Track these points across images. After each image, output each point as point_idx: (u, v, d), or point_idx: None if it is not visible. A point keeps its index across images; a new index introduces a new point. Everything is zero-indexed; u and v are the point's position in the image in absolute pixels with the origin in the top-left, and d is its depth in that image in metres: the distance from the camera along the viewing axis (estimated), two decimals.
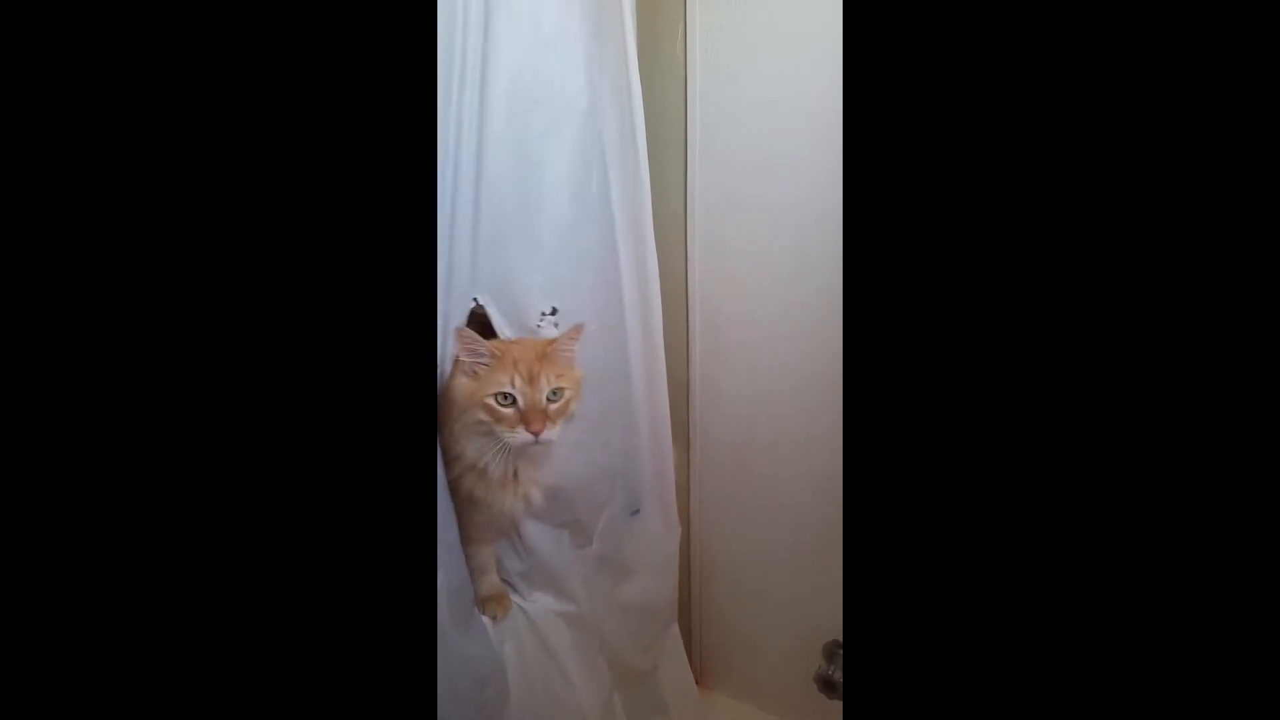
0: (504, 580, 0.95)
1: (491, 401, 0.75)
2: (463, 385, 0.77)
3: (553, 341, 0.81)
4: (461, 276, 0.81)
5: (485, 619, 0.89)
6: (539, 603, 0.95)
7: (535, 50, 0.83)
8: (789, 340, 1.10)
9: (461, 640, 0.81)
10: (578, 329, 0.82)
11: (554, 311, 0.88)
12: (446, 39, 0.77)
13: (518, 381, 0.75)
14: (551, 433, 0.77)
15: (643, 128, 0.99)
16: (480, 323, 0.85)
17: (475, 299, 0.83)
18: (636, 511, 1.03)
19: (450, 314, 0.80)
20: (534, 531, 0.92)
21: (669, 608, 1.12)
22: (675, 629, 1.15)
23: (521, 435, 0.75)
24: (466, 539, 0.85)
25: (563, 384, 0.78)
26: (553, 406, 0.77)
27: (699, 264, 1.17)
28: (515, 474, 0.81)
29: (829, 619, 1.14)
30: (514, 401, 0.75)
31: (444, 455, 0.79)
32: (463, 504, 0.82)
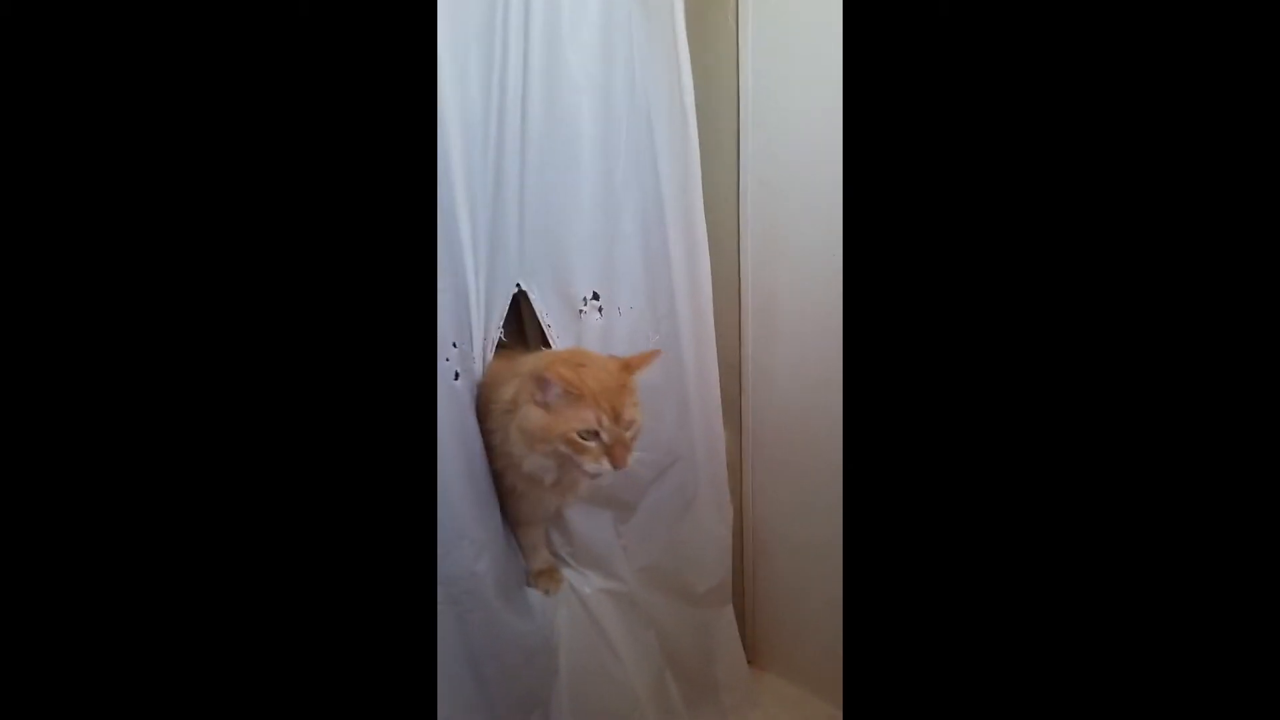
0: (555, 555, 0.97)
1: (575, 437, 0.73)
2: (537, 417, 0.75)
3: (630, 368, 0.79)
4: (507, 262, 0.82)
5: (538, 594, 0.91)
6: (589, 579, 0.97)
7: (569, 30, 0.82)
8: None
9: (509, 615, 0.83)
10: (654, 354, 0.80)
11: (595, 296, 0.87)
12: (487, 19, 0.77)
13: (604, 420, 0.73)
14: (632, 459, 0.76)
15: (692, 101, 0.96)
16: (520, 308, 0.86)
17: (518, 284, 0.84)
18: None
19: (494, 300, 0.81)
20: (575, 513, 0.93)
21: (722, 590, 1.12)
22: (729, 610, 1.15)
23: (604, 467, 0.74)
24: (514, 521, 0.88)
25: (638, 414, 0.77)
26: (629, 435, 0.76)
27: (751, 242, 1.13)
28: (559, 479, 0.80)
29: None
30: (597, 436, 0.74)
31: (489, 451, 0.81)
32: (506, 493, 0.84)
